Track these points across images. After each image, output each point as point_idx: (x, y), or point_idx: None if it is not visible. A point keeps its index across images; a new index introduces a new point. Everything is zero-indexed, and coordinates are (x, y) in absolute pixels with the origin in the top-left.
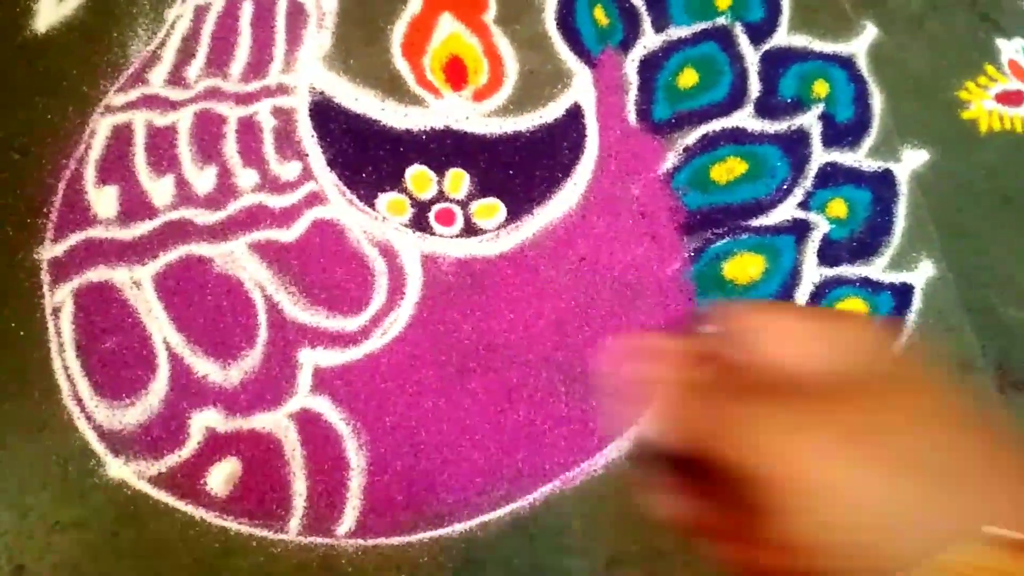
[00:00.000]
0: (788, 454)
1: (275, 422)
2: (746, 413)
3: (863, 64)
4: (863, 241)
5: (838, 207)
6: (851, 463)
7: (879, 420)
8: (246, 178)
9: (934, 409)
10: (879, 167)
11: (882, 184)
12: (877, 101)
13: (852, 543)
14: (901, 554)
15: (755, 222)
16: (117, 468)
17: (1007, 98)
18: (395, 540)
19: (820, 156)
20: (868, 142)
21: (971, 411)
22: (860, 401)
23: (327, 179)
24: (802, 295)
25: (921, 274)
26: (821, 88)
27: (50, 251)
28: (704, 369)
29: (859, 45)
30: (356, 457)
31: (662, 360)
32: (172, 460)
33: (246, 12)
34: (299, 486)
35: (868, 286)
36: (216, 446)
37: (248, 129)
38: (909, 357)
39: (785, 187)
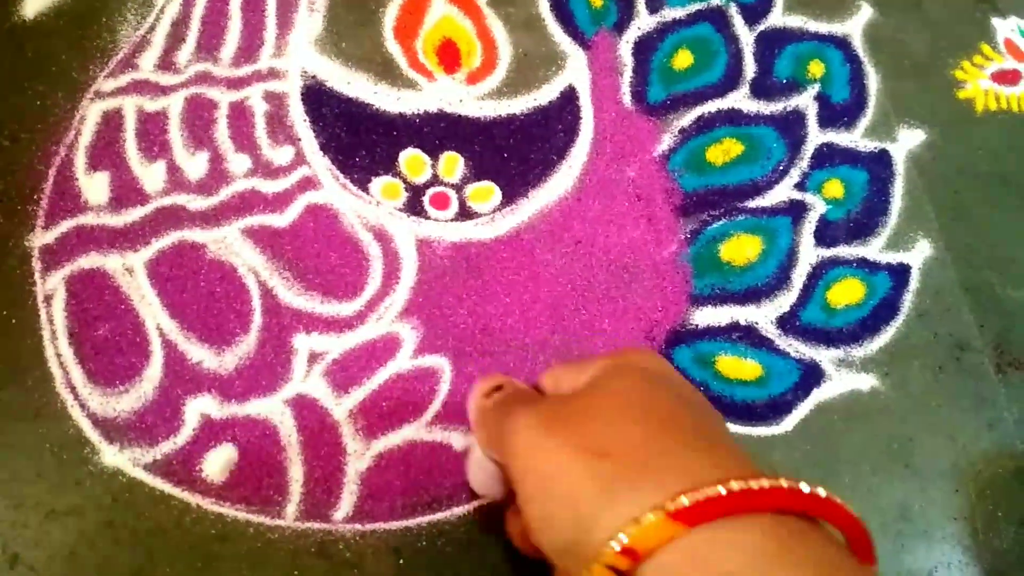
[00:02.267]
0: (515, 447)
1: (271, 408)
2: (509, 420)
3: (858, 44)
4: (860, 221)
5: (834, 188)
6: (545, 448)
7: (574, 416)
8: (238, 163)
9: (621, 405)
10: (875, 147)
11: (878, 164)
12: (873, 81)
13: (543, 514)
14: (576, 526)
15: (751, 203)
16: (112, 456)
17: (1003, 77)
18: (393, 525)
19: (816, 137)
20: (864, 122)
21: (656, 405)
22: (568, 404)
23: (320, 163)
24: (799, 275)
25: (918, 254)
26: (817, 69)
27: (41, 238)
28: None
29: (854, 25)
30: (353, 442)
31: (478, 395)
32: (167, 447)
33: None
34: (295, 472)
35: (865, 266)
36: (211, 433)
37: (240, 114)
38: (619, 369)
39: (781, 168)
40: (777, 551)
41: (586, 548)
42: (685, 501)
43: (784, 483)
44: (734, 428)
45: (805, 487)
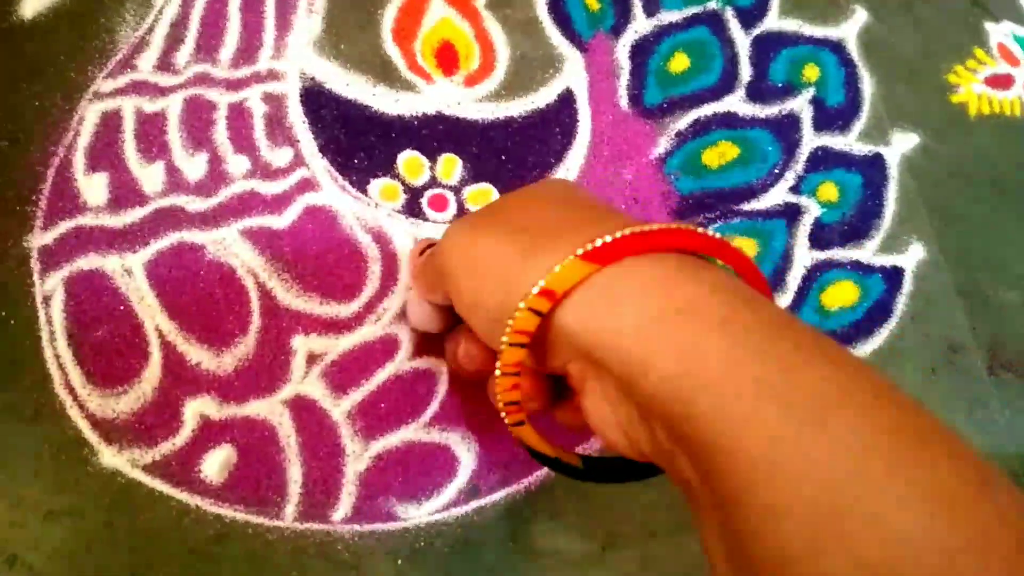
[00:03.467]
0: (444, 253)
1: (269, 409)
2: (436, 251)
3: (853, 48)
4: (854, 224)
5: (829, 191)
6: (474, 237)
7: (498, 211)
8: (237, 164)
9: (542, 197)
10: (869, 151)
11: (872, 168)
12: (867, 85)
13: (482, 291)
14: (513, 290)
15: (747, 206)
16: (110, 457)
17: (996, 81)
18: (392, 525)
19: (811, 140)
20: (858, 126)
21: (576, 195)
22: (492, 205)
23: (319, 165)
24: (794, 278)
25: (912, 257)
26: (812, 72)
27: (40, 239)
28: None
29: (849, 29)
30: (351, 443)
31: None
32: (166, 448)
33: None
34: (294, 472)
35: (859, 269)
36: (210, 433)
37: (239, 115)
38: (545, 181)
39: (776, 171)
40: (678, 274)
41: (512, 307)
42: (593, 245)
43: (680, 224)
44: None
45: (700, 229)
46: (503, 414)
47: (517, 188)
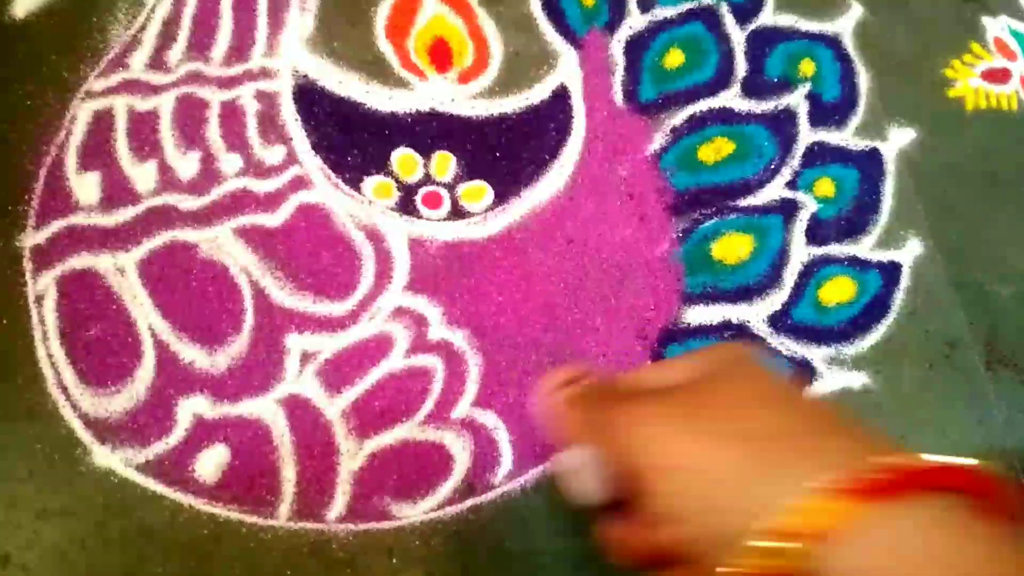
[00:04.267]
0: (638, 440)
1: (263, 408)
2: (615, 414)
3: (849, 43)
4: (851, 220)
5: (825, 186)
6: (686, 441)
7: (707, 407)
8: (230, 163)
9: (756, 394)
10: (866, 146)
11: (869, 163)
12: (864, 80)
13: (696, 507)
14: (738, 511)
15: (743, 202)
16: (103, 456)
17: (993, 76)
18: (386, 524)
19: (807, 135)
20: (855, 121)
21: (792, 394)
22: (695, 396)
23: (312, 163)
24: (791, 274)
25: (909, 252)
26: (807, 67)
27: (32, 238)
28: (590, 387)
29: (845, 24)
30: (345, 442)
31: (553, 387)
32: (159, 447)
33: None
34: (288, 472)
35: (856, 264)
36: (204, 433)
37: (231, 113)
38: (735, 362)
39: (773, 167)
40: (966, 531)
41: (740, 531)
42: (864, 475)
43: (964, 461)
44: None
45: (982, 469)
46: None
47: (514, 188)
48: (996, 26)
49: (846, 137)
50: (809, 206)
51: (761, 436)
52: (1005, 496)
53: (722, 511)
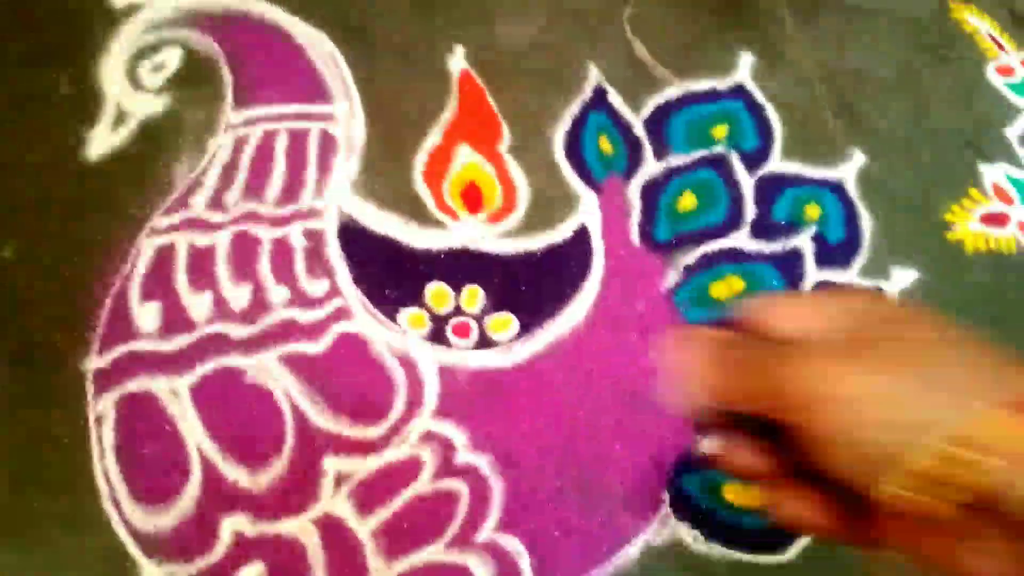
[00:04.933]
0: (810, 376)
1: (300, 527)
2: (775, 363)
3: (852, 188)
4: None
5: None
6: (862, 374)
7: (873, 339)
8: (278, 294)
9: (915, 328)
10: (871, 285)
11: None
12: (866, 223)
13: (874, 426)
14: (910, 431)
15: None
16: (151, 570)
17: (992, 220)
18: None
19: (814, 275)
20: (859, 261)
21: (949, 329)
22: (854, 334)
23: (353, 295)
24: None
25: None
26: (813, 211)
27: (96, 362)
28: (732, 346)
29: (848, 171)
30: (375, 561)
31: (699, 344)
32: (202, 563)
33: (281, 142)
34: None
35: None
36: (244, 550)
37: (281, 249)
38: (885, 305)
39: None
40: None
41: (917, 451)
42: None
43: None
44: (739, 555)
45: None
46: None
47: (538, 320)
48: (994, 172)
49: (851, 277)
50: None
51: (929, 365)
52: None
53: (900, 426)
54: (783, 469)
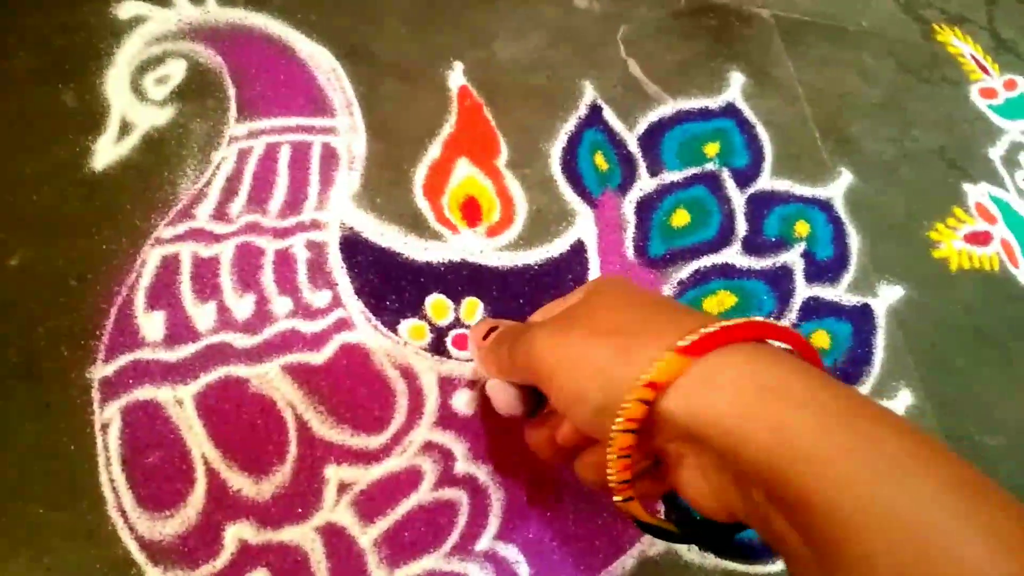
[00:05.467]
0: (538, 352)
1: (303, 535)
2: (514, 343)
3: (840, 207)
4: (845, 371)
5: (821, 338)
6: (565, 343)
7: (582, 316)
8: (281, 305)
9: (619, 300)
10: (858, 302)
11: (861, 317)
12: (854, 240)
13: (583, 392)
14: (615, 384)
15: None
16: None
17: (975, 238)
18: None
19: (803, 291)
20: (847, 278)
21: (645, 294)
22: (574, 310)
23: (354, 306)
24: None
25: (900, 402)
26: (802, 228)
27: (101, 371)
28: (497, 330)
29: (836, 189)
30: (377, 570)
31: (479, 336)
32: (206, 571)
33: (284, 155)
34: None
35: None
36: (247, 558)
37: (284, 260)
38: (605, 282)
39: (772, 319)
40: (762, 361)
41: (617, 399)
42: (688, 340)
43: (754, 318)
44: (733, 566)
45: (771, 320)
46: (616, 494)
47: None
48: (977, 192)
49: (839, 293)
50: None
51: (626, 330)
52: (805, 344)
53: (605, 387)
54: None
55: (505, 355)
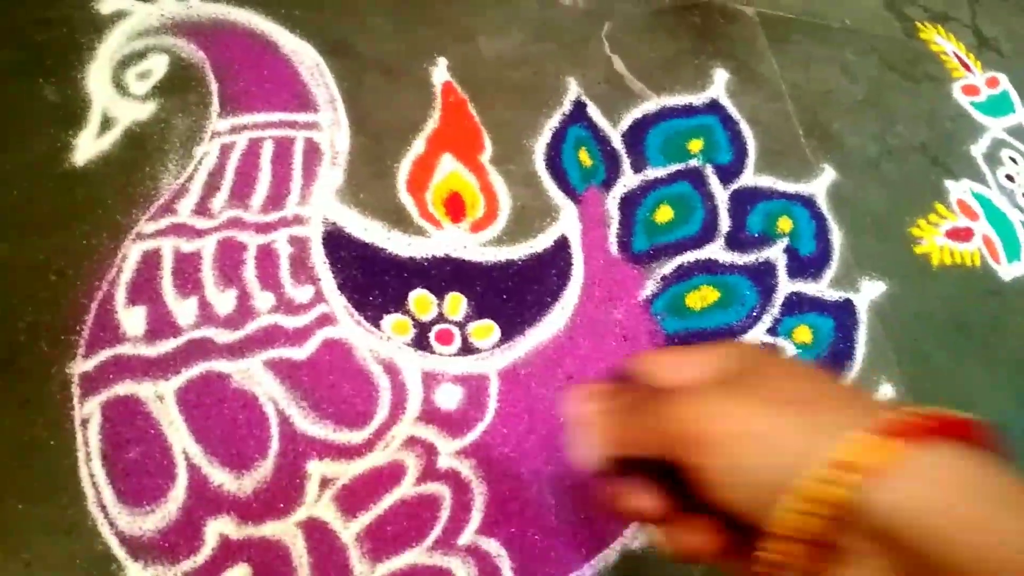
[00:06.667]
0: (685, 422)
1: (284, 530)
2: (661, 408)
3: (823, 203)
4: (827, 366)
5: (803, 334)
6: (739, 409)
7: (749, 380)
8: (263, 300)
9: (783, 371)
10: (840, 297)
11: (843, 312)
12: (836, 236)
13: (759, 462)
14: (796, 455)
15: None
16: (136, 573)
17: (956, 234)
18: None
19: (786, 286)
20: (829, 274)
21: (809, 368)
22: (731, 377)
23: (337, 302)
24: None
25: (882, 396)
26: (785, 224)
27: (81, 366)
28: (621, 395)
29: (819, 186)
30: (359, 564)
31: (591, 398)
32: (187, 566)
33: (267, 150)
34: None
35: None
36: (229, 553)
37: (266, 255)
38: (749, 352)
39: (755, 314)
40: (979, 463)
41: (798, 478)
42: (896, 421)
43: (958, 414)
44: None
45: (978, 421)
46: None
47: (518, 328)
48: (959, 189)
49: (822, 288)
50: (789, 352)
51: (801, 400)
52: (999, 444)
53: (765, 470)
54: (676, 506)
55: (644, 423)
